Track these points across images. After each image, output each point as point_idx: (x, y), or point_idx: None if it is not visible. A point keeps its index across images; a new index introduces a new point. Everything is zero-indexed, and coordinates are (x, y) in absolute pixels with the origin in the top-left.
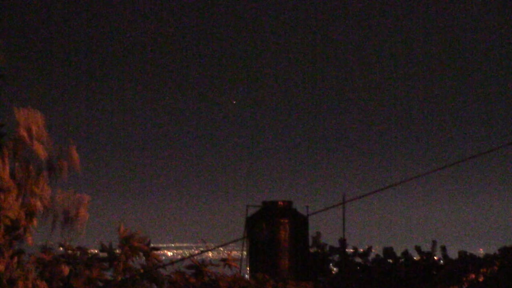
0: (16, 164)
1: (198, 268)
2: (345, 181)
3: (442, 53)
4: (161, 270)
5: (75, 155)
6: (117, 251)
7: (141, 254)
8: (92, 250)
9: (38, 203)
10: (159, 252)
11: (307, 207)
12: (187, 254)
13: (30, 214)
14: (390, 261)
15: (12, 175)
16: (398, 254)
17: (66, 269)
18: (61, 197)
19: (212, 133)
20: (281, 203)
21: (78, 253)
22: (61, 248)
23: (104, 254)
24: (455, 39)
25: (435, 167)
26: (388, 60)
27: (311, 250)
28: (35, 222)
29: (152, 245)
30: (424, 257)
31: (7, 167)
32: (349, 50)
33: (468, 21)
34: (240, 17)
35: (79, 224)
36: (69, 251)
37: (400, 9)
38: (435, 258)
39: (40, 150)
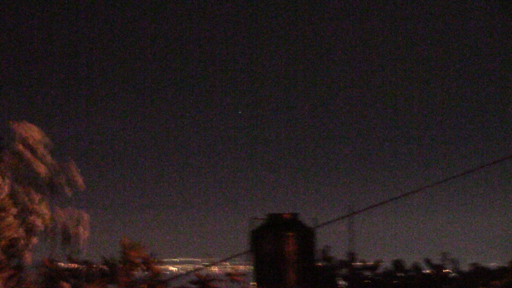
0: (16, 181)
1: (203, 283)
2: (352, 192)
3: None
4: (165, 286)
5: (75, 171)
6: (120, 265)
7: (143, 267)
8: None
9: (38, 222)
10: (162, 267)
11: (314, 219)
12: (191, 269)
13: (30, 232)
14: (400, 274)
15: (12, 193)
16: (408, 267)
17: (67, 285)
18: (61, 215)
19: (215, 144)
20: (287, 215)
21: (83, 267)
22: (62, 264)
23: (105, 268)
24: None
25: (445, 177)
26: (398, 75)
27: (319, 264)
28: (34, 240)
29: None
30: (435, 270)
31: (6, 185)
32: (358, 61)
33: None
34: (243, 25)
35: (78, 242)
36: (73, 265)
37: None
38: (446, 271)
39: (40, 168)
